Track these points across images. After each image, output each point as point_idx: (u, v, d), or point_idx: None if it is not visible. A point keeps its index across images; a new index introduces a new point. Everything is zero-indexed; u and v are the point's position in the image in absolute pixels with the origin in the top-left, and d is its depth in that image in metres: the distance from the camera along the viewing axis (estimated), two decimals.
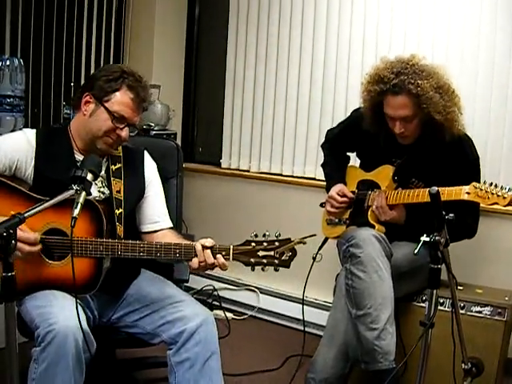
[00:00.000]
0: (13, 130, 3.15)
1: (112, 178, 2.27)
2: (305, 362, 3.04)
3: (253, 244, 2.02)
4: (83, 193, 1.79)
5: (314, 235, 2.05)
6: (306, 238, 2.03)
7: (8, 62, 3.21)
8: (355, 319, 2.49)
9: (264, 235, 2.03)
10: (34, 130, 2.26)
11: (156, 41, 4.35)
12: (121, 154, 2.36)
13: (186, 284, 2.62)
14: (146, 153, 2.45)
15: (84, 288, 2.08)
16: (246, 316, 3.97)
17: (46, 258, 2.08)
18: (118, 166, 2.33)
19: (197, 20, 4.58)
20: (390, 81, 2.49)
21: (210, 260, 2.03)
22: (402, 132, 2.57)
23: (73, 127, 2.29)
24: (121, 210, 2.24)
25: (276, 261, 2.02)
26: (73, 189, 1.79)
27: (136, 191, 2.34)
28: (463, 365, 2.29)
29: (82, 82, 4.12)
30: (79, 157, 2.26)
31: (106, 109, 2.17)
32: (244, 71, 4.13)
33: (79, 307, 1.89)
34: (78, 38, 4.08)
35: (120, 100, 2.18)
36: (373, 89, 2.57)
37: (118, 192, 2.27)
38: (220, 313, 3.89)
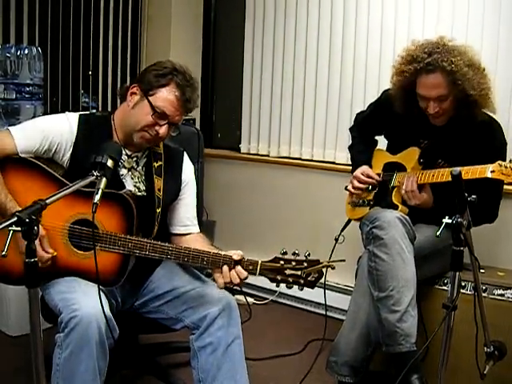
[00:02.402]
0: (33, 117, 3.16)
1: (154, 176, 2.27)
2: (326, 346, 3.04)
3: (281, 262, 2.02)
4: (104, 179, 1.80)
5: (343, 260, 2.06)
6: (334, 261, 2.04)
7: (26, 51, 3.23)
8: (377, 301, 2.49)
9: (294, 253, 2.03)
10: (77, 115, 2.23)
11: (173, 25, 4.35)
12: (162, 152, 2.35)
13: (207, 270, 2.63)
14: (185, 154, 2.44)
15: (109, 281, 2.08)
16: (267, 301, 3.99)
17: (74, 248, 2.09)
18: (160, 163, 2.32)
19: (214, 3, 4.56)
20: (423, 60, 2.48)
21: (236, 281, 2.03)
22: (437, 112, 2.55)
23: (116, 117, 2.27)
24: (159, 210, 2.25)
25: (302, 281, 2.02)
26: (93, 175, 1.80)
27: (172, 191, 2.34)
28: (486, 348, 2.27)
29: (100, 69, 4.15)
30: None
31: (150, 102, 2.15)
32: (262, 55, 4.11)
33: (102, 293, 1.90)
34: (96, 26, 4.09)
35: (165, 96, 2.15)
36: (406, 69, 2.56)
37: (159, 190, 2.26)
38: (241, 298, 3.89)
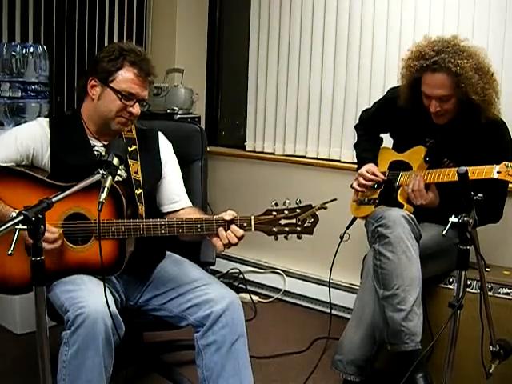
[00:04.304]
0: (38, 116, 3.17)
1: (129, 160, 2.28)
2: (331, 345, 3.04)
3: (274, 213, 2.02)
4: (109, 177, 1.80)
5: (335, 199, 2.02)
6: (327, 202, 2.01)
7: (32, 49, 3.23)
8: (382, 300, 2.48)
9: (284, 203, 2.03)
10: (47, 119, 2.30)
11: (178, 25, 4.35)
12: (135, 136, 2.36)
13: (211, 267, 2.63)
14: (160, 133, 2.46)
15: (109, 270, 2.09)
16: (271, 299, 3.98)
17: (70, 243, 2.09)
18: (134, 147, 2.33)
19: (219, 2, 4.55)
20: (430, 58, 2.48)
21: (233, 240, 2.03)
22: (438, 111, 2.55)
23: (84, 113, 2.30)
24: (140, 191, 2.26)
25: (298, 228, 2.01)
26: (99, 173, 1.80)
27: (153, 172, 2.35)
28: (491, 347, 2.27)
29: None
30: (93, 141, 2.28)
31: (113, 89, 2.18)
32: (267, 53, 4.10)
33: (107, 290, 1.90)
34: (101, 25, 4.10)
35: (124, 77, 2.19)
36: (413, 64, 2.56)
37: (136, 173, 2.28)
38: (246, 296, 3.90)
